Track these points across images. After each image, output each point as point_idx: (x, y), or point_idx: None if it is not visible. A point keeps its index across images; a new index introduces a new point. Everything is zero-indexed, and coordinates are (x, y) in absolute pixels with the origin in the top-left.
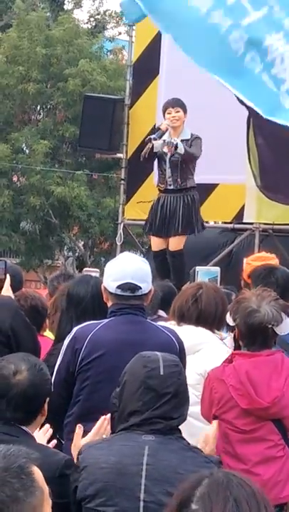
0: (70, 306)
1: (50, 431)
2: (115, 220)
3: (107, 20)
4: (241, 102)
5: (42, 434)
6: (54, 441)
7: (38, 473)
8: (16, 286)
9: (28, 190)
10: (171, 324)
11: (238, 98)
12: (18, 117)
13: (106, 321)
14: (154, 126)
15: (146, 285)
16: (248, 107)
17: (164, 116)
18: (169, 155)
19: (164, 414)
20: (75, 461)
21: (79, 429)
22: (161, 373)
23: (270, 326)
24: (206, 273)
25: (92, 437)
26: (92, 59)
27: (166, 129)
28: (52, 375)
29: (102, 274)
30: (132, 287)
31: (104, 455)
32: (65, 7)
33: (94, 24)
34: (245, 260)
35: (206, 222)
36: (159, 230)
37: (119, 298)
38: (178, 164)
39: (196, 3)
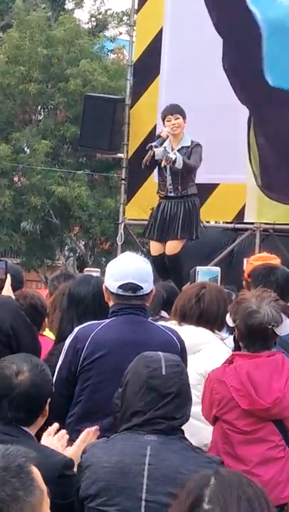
0: (71, 306)
1: (67, 437)
2: (116, 220)
3: (108, 20)
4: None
5: (56, 440)
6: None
7: (36, 473)
8: (16, 286)
9: (29, 190)
10: (172, 324)
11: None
12: (19, 117)
13: (107, 321)
14: (155, 126)
15: (148, 285)
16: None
17: (163, 123)
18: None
19: (166, 414)
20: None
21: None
22: (163, 373)
23: (270, 326)
24: (206, 273)
25: (76, 448)
26: (93, 59)
27: (167, 137)
28: (53, 375)
29: (103, 274)
30: (134, 287)
31: (107, 455)
32: (66, 7)
33: (95, 24)
34: (246, 260)
35: (207, 221)
36: (158, 235)
37: (120, 298)
38: (178, 172)
39: None
